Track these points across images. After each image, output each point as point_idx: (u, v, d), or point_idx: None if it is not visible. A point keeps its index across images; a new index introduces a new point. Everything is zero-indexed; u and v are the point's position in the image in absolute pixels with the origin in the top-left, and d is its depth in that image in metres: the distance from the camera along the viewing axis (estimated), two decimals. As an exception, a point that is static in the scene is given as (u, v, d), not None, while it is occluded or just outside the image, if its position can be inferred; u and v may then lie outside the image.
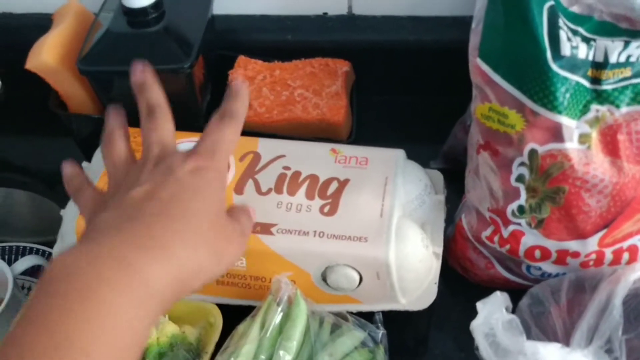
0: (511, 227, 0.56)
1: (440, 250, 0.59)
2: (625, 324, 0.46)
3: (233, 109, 0.50)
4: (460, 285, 0.64)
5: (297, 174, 0.61)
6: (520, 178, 0.54)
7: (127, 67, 0.67)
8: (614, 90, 0.51)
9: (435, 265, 0.59)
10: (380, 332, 0.56)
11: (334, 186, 0.60)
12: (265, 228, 0.56)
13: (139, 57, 0.67)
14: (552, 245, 0.55)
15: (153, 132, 0.49)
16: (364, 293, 0.57)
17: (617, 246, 0.54)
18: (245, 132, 0.69)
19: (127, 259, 0.39)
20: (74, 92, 0.71)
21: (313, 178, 0.60)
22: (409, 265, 0.56)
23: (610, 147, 0.51)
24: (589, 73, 0.51)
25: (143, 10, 0.67)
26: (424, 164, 0.66)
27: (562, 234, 0.54)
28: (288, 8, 0.82)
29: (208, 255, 0.42)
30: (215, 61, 0.77)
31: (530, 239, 0.56)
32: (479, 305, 0.47)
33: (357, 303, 0.57)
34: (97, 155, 0.67)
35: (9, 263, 0.69)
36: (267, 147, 0.64)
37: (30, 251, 0.74)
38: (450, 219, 0.64)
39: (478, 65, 0.53)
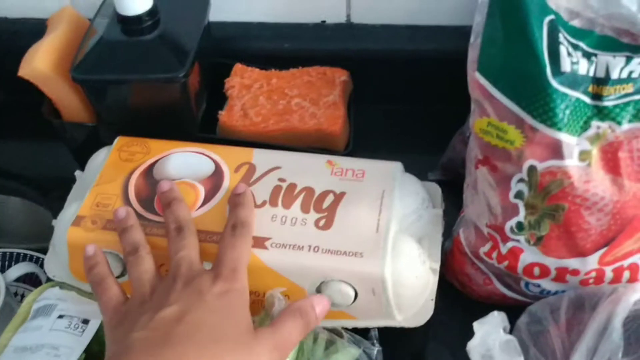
0: (510, 244, 0.55)
1: (437, 265, 0.58)
2: (626, 347, 0.45)
3: (242, 218, 0.55)
4: (458, 301, 0.63)
5: (292, 186, 0.60)
6: (519, 194, 0.53)
7: (121, 75, 0.67)
8: (615, 106, 0.50)
9: (432, 281, 0.58)
10: (376, 349, 0.55)
11: (329, 199, 0.59)
12: (259, 242, 0.55)
13: (133, 65, 0.66)
14: (552, 262, 0.54)
15: (182, 251, 0.52)
16: (359, 309, 0.56)
17: (618, 264, 0.54)
18: (241, 142, 0.68)
19: None
20: (68, 100, 0.70)
21: (309, 191, 0.59)
22: (405, 281, 0.55)
23: (611, 164, 0.50)
24: (590, 89, 0.50)
25: (138, 18, 0.66)
26: (422, 174, 0.65)
27: (561, 251, 0.53)
28: (286, 16, 0.81)
29: None
30: (211, 69, 0.77)
31: (529, 256, 0.55)
32: (476, 325, 0.46)
33: (352, 319, 0.56)
34: (90, 163, 0.66)
35: (2, 270, 0.68)
36: (262, 158, 0.63)
37: (24, 258, 0.74)
38: (448, 233, 0.63)
39: (477, 80, 0.52)
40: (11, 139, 0.85)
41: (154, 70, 0.66)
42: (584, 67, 0.49)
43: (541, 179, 0.51)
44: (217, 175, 0.61)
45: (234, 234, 0.53)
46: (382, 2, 0.79)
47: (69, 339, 0.54)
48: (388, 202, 0.58)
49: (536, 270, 0.55)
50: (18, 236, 0.80)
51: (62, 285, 0.60)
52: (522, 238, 0.54)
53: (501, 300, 0.60)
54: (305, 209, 0.58)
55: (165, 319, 0.46)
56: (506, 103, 0.51)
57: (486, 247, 0.57)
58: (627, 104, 0.50)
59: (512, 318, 0.54)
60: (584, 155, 0.50)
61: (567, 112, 0.49)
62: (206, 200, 0.59)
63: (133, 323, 0.47)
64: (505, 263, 0.56)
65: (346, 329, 0.56)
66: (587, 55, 0.50)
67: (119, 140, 0.66)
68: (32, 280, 0.72)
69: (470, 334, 0.50)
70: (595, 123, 0.50)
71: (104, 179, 0.62)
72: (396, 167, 0.62)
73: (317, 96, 0.75)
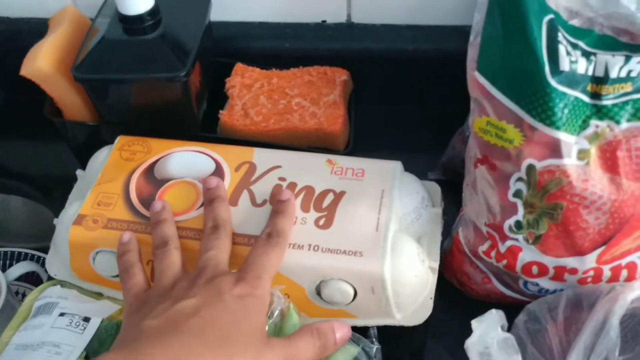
0: (508, 243, 0.55)
1: (436, 264, 0.58)
2: (623, 344, 0.46)
3: (280, 228, 0.54)
4: (457, 299, 0.64)
5: (292, 185, 0.60)
6: (517, 193, 0.53)
7: (122, 74, 0.67)
8: (614, 105, 0.50)
9: (432, 280, 0.58)
10: (375, 347, 0.55)
11: (329, 198, 0.59)
12: (259, 241, 0.56)
13: (134, 64, 0.67)
14: (550, 261, 0.54)
15: (212, 250, 0.52)
16: (359, 307, 0.56)
17: (616, 263, 0.54)
18: (242, 142, 0.69)
19: None
20: (69, 99, 0.71)
21: (309, 190, 0.60)
22: (405, 280, 0.55)
23: (610, 163, 0.50)
24: (589, 88, 0.50)
25: (139, 18, 0.66)
26: (422, 174, 0.65)
27: (559, 250, 0.54)
28: (286, 16, 0.81)
29: None
30: (212, 69, 0.77)
31: (528, 254, 0.55)
32: (474, 323, 0.46)
33: (351, 317, 0.57)
34: (92, 162, 0.66)
35: (3, 269, 0.69)
36: (262, 157, 0.63)
37: (25, 257, 0.74)
38: (448, 232, 0.64)
39: (476, 79, 0.52)
40: (13, 138, 0.86)
41: (155, 69, 0.66)
42: (582, 66, 0.50)
43: (540, 178, 0.51)
44: (217, 174, 0.61)
45: (268, 242, 0.53)
46: (382, 2, 0.79)
47: (70, 336, 0.54)
48: (388, 201, 0.58)
49: (534, 269, 0.55)
50: (19, 235, 0.80)
51: (63, 284, 0.60)
52: (520, 237, 0.54)
53: (500, 299, 0.60)
54: (305, 208, 0.58)
55: (180, 310, 0.46)
56: (505, 102, 0.51)
57: (485, 246, 0.58)
58: (625, 103, 0.50)
59: (511, 317, 0.54)
60: (582, 154, 0.50)
61: (566, 111, 0.49)
62: (207, 197, 0.59)
63: (149, 311, 0.47)
64: (504, 262, 0.57)
65: (346, 327, 0.57)
66: (586, 55, 0.50)
67: (120, 140, 0.66)
68: (33, 279, 0.72)
69: (468, 332, 0.50)
70: (594, 122, 0.50)
71: (105, 178, 0.62)
72: (396, 166, 0.62)
73: (317, 96, 0.75)
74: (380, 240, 0.55)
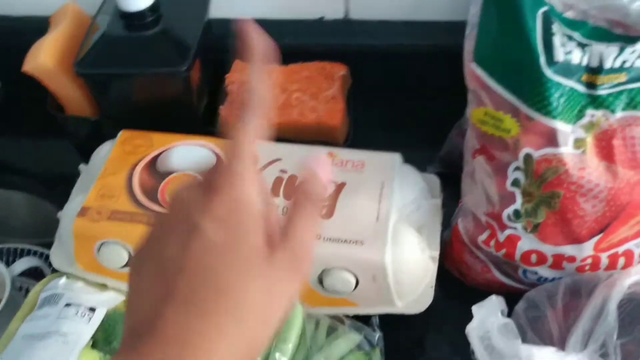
0: (507, 232, 0.56)
1: (436, 254, 0.59)
2: (620, 329, 0.46)
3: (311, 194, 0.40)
4: (457, 288, 0.64)
5: (293, 177, 0.61)
6: (515, 182, 0.54)
7: (123, 69, 0.68)
8: (609, 95, 0.51)
9: (432, 269, 0.59)
10: (377, 335, 0.56)
11: (330, 190, 0.60)
12: (261, 231, 0.57)
13: (135, 60, 0.67)
14: (548, 249, 0.55)
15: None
16: (361, 296, 0.57)
17: (613, 251, 0.55)
18: (242, 136, 0.69)
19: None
20: (71, 95, 0.71)
21: (310, 181, 0.60)
22: (405, 268, 0.56)
23: (605, 152, 0.51)
24: (584, 78, 0.51)
25: (140, 14, 0.67)
26: (421, 168, 0.66)
27: (558, 238, 0.54)
28: (285, 12, 0.82)
29: (257, 328, 0.35)
30: (212, 65, 0.78)
31: (526, 243, 0.56)
32: (475, 309, 0.47)
33: (353, 306, 0.58)
34: (95, 156, 0.67)
35: (7, 264, 0.69)
36: (263, 150, 0.63)
37: (28, 253, 0.75)
38: (447, 223, 0.64)
39: (473, 70, 0.53)
40: (15, 135, 0.86)
41: (156, 64, 0.67)
42: (577, 57, 0.51)
43: (537, 167, 0.52)
44: (218, 167, 0.62)
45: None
46: (379, -2, 0.80)
47: (76, 326, 0.55)
48: (388, 192, 0.59)
49: (533, 258, 0.56)
50: (23, 231, 0.81)
51: (68, 276, 0.61)
52: (519, 226, 0.55)
53: (499, 288, 0.61)
54: (306, 199, 0.59)
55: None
56: (502, 93, 0.52)
57: (484, 236, 0.58)
58: (620, 92, 0.51)
59: (511, 305, 0.54)
60: (578, 143, 0.51)
61: (562, 100, 0.50)
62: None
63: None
64: (503, 251, 0.57)
65: (348, 316, 0.58)
66: (581, 46, 0.51)
67: (122, 134, 0.67)
68: (36, 275, 0.73)
69: (469, 320, 0.51)
70: (589, 112, 0.51)
71: (109, 171, 0.63)
72: (395, 158, 0.63)
73: (316, 90, 0.76)
74: (381, 229, 0.56)
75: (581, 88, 0.51)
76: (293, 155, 0.63)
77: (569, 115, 0.51)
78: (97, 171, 0.63)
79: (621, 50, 0.51)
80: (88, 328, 0.55)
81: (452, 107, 0.71)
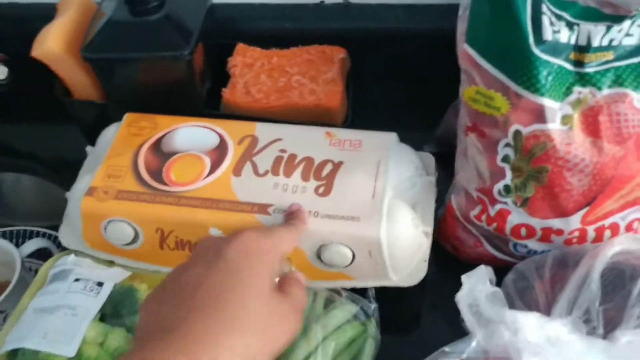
0: (498, 206, 0.58)
1: (430, 229, 0.61)
2: (603, 296, 0.48)
3: (297, 213, 0.58)
4: (451, 263, 0.66)
5: (293, 156, 0.63)
6: (505, 158, 0.56)
7: (129, 53, 0.70)
8: (596, 72, 0.53)
9: (426, 244, 0.61)
10: (373, 306, 0.58)
11: (328, 168, 0.62)
12: (262, 208, 0.59)
13: (140, 44, 0.69)
14: (537, 223, 0.57)
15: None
16: (357, 270, 0.59)
17: (599, 224, 0.57)
18: (244, 117, 0.71)
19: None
20: (78, 79, 0.74)
21: (308, 160, 0.63)
22: (400, 243, 0.58)
23: (592, 128, 0.53)
24: (572, 56, 0.53)
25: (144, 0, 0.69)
26: (417, 148, 0.68)
27: (546, 212, 0.56)
28: (286, -3, 0.84)
29: (259, 341, 0.43)
30: (215, 49, 0.80)
31: (516, 217, 0.58)
32: (464, 278, 0.49)
33: (350, 279, 0.60)
34: (101, 138, 0.69)
35: (17, 246, 0.71)
36: (264, 130, 0.66)
37: (37, 235, 0.76)
38: (442, 201, 0.66)
39: (465, 51, 0.55)
40: (23, 120, 0.89)
41: (160, 48, 0.69)
42: (565, 36, 0.52)
43: (526, 143, 0.54)
44: (221, 147, 0.64)
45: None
46: (378, -18, 0.81)
47: (85, 300, 0.57)
48: (384, 170, 0.61)
49: (523, 231, 0.58)
50: (31, 214, 0.83)
51: (76, 253, 0.64)
52: (509, 200, 0.57)
53: (491, 262, 0.62)
54: (305, 177, 0.61)
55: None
56: (493, 72, 0.54)
57: (476, 211, 0.60)
58: (607, 70, 0.53)
59: (500, 277, 0.57)
60: (566, 120, 0.53)
61: (550, 78, 0.52)
62: (212, 170, 0.62)
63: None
64: (494, 225, 0.59)
65: (345, 289, 0.60)
66: (570, 25, 0.53)
67: (127, 117, 0.69)
68: (45, 256, 0.74)
69: (461, 293, 0.53)
70: (577, 89, 0.53)
71: (115, 152, 0.65)
72: (391, 137, 0.65)
73: (316, 73, 0.77)
74: (376, 206, 0.58)
75: (569, 66, 0.53)
76: (293, 136, 0.65)
77: (556, 92, 0.53)
78: (103, 153, 0.65)
79: (608, 29, 0.52)
80: (96, 302, 0.57)
81: (449, 89, 0.72)
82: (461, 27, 0.56)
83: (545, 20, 0.52)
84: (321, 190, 0.60)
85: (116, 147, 0.66)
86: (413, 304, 0.65)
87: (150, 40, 0.69)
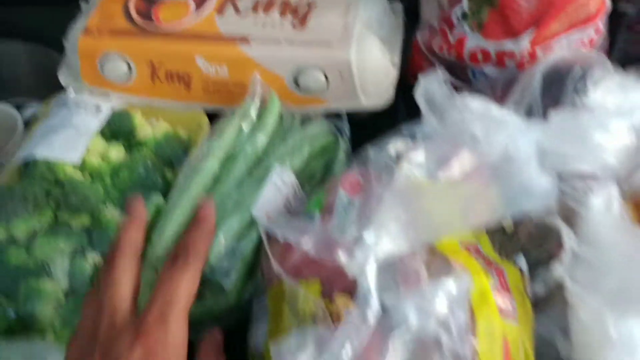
0: (456, 33, 0.65)
1: (396, 59, 0.68)
2: (544, 92, 0.55)
3: (190, 244, 0.45)
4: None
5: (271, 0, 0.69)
6: (461, -14, 0.62)
7: None
8: None
9: (392, 73, 0.67)
10: (346, 126, 0.65)
11: (303, 7, 0.68)
12: (243, 39, 0.65)
13: None
14: (491, 45, 0.64)
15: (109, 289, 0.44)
16: (330, 93, 0.65)
17: (547, 45, 0.63)
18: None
19: None
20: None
21: (286, 1, 0.69)
22: (368, 65, 0.64)
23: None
24: None
25: None
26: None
27: (498, 33, 0.63)
28: None
29: None
30: None
31: (473, 41, 0.64)
32: (421, 77, 0.55)
33: (323, 102, 0.66)
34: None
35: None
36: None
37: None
38: (409, 43, 0.73)
39: None
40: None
41: None
42: None
43: (479, -32, 0.60)
44: (202, -4, 0.70)
45: (174, 266, 0.44)
46: None
47: (86, 118, 0.63)
48: (354, 7, 0.67)
49: (479, 56, 0.65)
50: (23, 87, 0.84)
51: (76, 90, 0.69)
52: (466, 25, 0.64)
53: (453, 91, 0.70)
54: (282, 14, 0.67)
55: None
56: None
57: (438, 40, 0.67)
58: None
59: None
60: (515, -57, 0.59)
61: None
62: (197, 10, 0.68)
63: None
64: (454, 52, 0.66)
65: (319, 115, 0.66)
66: None
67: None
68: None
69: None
70: None
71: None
72: (362, -19, 0.71)
73: None
74: (347, 34, 0.65)
75: None
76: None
77: None
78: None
79: None
80: (96, 120, 0.63)
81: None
82: None
83: None
84: (297, 24, 0.66)
85: (108, -5, 0.71)
86: (379, 127, 0.71)
87: None
